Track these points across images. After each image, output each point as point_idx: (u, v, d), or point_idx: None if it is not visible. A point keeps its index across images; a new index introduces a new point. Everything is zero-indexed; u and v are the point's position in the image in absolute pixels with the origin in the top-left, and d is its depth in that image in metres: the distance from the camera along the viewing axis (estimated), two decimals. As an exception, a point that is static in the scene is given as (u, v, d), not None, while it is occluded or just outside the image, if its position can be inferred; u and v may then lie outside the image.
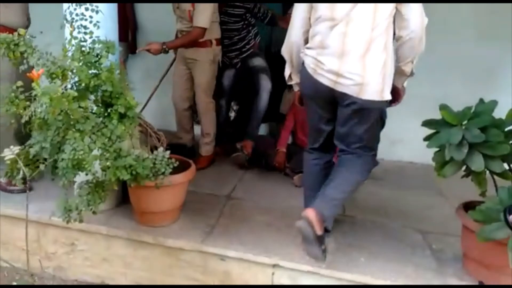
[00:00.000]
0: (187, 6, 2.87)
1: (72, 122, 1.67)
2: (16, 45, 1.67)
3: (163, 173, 1.93)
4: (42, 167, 1.81)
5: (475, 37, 3.17)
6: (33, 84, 1.53)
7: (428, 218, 2.57)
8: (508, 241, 1.49)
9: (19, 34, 1.70)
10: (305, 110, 2.13)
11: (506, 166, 1.65)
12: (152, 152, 2.00)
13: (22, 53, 1.69)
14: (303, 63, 1.94)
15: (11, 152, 1.65)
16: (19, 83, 1.72)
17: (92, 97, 1.83)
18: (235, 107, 3.63)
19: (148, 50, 2.80)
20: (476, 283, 1.92)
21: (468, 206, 2.01)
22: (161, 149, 1.95)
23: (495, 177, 1.75)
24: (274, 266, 2.10)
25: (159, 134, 2.21)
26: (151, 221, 2.28)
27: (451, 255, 2.17)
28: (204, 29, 2.84)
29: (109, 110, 1.84)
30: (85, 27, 1.75)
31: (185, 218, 2.40)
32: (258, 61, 3.25)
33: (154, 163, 1.90)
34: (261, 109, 3.21)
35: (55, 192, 1.98)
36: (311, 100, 1.99)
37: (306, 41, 1.94)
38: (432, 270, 2.04)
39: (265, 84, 3.19)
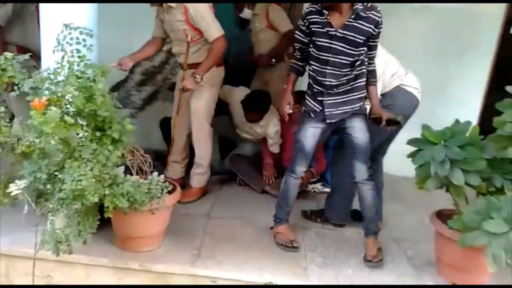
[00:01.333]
0: (180, 26, 2.61)
1: (67, 150, 1.59)
2: (3, 70, 1.57)
3: (158, 197, 1.90)
4: (20, 196, 1.70)
5: (424, 54, 3.46)
6: (32, 113, 1.44)
7: (398, 226, 2.77)
8: (487, 249, 1.68)
9: (6, 58, 1.59)
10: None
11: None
12: (137, 174, 1.96)
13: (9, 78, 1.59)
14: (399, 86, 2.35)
15: (17, 186, 1.53)
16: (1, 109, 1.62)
17: (84, 122, 1.76)
18: None
19: (186, 89, 2.60)
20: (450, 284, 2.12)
21: (440, 215, 2.22)
22: (155, 173, 1.92)
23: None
24: (267, 286, 2.13)
25: (146, 157, 2.17)
26: (137, 246, 2.20)
27: (425, 261, 2.37)
28: (223, 36, 2.57)
29: (98, 135, 1.79)
30: (78, 51, 1.69)
31: (169, 241, 2.35)
32: None
33: (149, 188, 1.87)
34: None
35: (20, 221, 1.82)
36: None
37: None
38: (412, 277, 2.21)
39: None
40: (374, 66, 2.23)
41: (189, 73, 2.61)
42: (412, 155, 1.96)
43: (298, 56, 2.34)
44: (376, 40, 2.14)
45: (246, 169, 3.25)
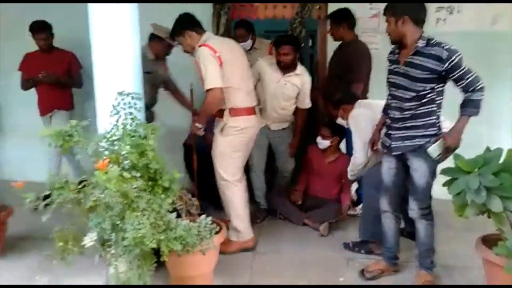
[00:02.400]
0: (198, 73, 2.63)
1: (126, 202, 1.79)
2: (70, 135, 1.82)
3: (206, 238, 2.04)
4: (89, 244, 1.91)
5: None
6: (97, 172, 1.66)
7: (448, 253, 2.73)
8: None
9: (72, 125, 1.85)
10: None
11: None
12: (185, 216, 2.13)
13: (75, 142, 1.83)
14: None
15: (90, 238, 1.74)
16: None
17: (138, 174, 1.97)
18: None
19: (193, 134, 2.78)
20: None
21: (486, 240, 2.21)
22: (203, 216, 2.08)
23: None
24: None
25: (193, 200, 2.34)
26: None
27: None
28: (217, 89, 2.52)
29: (150, 184, 1.98)
30: (131, 113, 1.93)
31: (219, 279, 2.46)
32: None
33: (199, 230, 2.02)
34: None
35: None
36: None
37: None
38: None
39: None
40: (472, 97, 2.12)
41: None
42: (447, 184, 2.00)
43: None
44: (454, 74, 2.11)
45: (285, 204, 3.35)
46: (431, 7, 3.57)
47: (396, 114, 2.31)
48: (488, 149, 2.00)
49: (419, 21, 2.21)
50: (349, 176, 3.06)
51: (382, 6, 3.60)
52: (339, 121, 2.99)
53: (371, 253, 2.77)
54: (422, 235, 2.38)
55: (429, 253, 2.41)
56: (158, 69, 3.24)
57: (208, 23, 3.87)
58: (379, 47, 3.81)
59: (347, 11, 3.39)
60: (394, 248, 2.54)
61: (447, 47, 2.13)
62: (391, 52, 2.38)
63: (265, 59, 3.23)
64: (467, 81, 2.10)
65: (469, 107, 2.14)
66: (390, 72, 2.35)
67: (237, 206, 2.77)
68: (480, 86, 2.11)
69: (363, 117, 2.76)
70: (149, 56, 3.12)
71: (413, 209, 2.34)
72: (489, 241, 2.15)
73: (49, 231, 1.96)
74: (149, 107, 3.22)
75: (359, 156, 2.83)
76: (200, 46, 2.57)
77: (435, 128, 2.22)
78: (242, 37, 3.52)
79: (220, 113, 2.69)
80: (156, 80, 3.25)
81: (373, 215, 2.68)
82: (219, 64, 2.55)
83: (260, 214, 3.35)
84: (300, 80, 3.20)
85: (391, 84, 2.34)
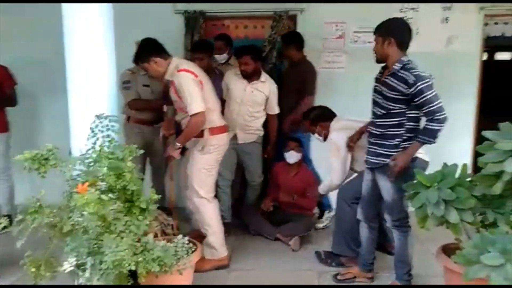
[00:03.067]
0: (174, 97, 2.75)
1: (103, 224, 1.81)
2: (46, 159, 1.82)
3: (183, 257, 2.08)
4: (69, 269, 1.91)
5: (353, 92, 3.81)
6: (76, 196, 1.68)
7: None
8: (490, 280, 1.84)
9: (48, 149, 1.86)
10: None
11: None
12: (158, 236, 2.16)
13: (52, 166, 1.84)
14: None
15: (69, 264, 1.74)
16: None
17: (114, 196, 1.99)
18: None
19: (169, 156, 2.78)
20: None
21: (446, 249, 2.37)
22: (180, 236, 2.12)
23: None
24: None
25: (168, 220, 2.37)
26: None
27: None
28: (202, 113, 2.61)
29: (127, 206, 2.01)
30: (108, 136, 1.96)
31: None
32: None
33: (176, 250, 2.06)
34: None
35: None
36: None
37: None
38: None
39: None
40: (429, 126, 2.20)
41: (172, 141, 2.86)
42: (410, 198, 2.15)
43: None
44: (418, 100, 2.21)
45: (257, 219, 3.43)
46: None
47: (372, 130, 2.48)
48: (445, 165, 2.16)
49: (403, 44, 2.33)
50: (321, 192, 3.16)
51: (346, 26, 3.95)
52: (316, 136, 3.10)
53: (342, 265, 2.89)
54: (396, 245, 2.53)
55: (402, 264, 2.53)
56: (154, 82, 3.31)
57: (180, 42, 3.97)
58: (344, 66, 4.03)
59: (296, 34, 3.72)
60: (368, 256, 2.67)
61: (416, 73, 2.23)
62: (379, 72, 2.49)
63: (231, 70, 3.43)
64: (428, 109, 2.19)
65: (425, 135, 2.23)
66: (373, 89, 2.50)
67: (213, 223, 2.83)
68: (440, 116, 2.18)
69: (343, 141, 2.83)
70: (140, 72, 3.34)
71: (387, 220, 2.52)
72: (448, 250, 2.30)
73: (21, 256, 1.94)
74: (157, 120, 3.39)
75: (337, 178, 2.90)
76: (179, 71, 2.61)
77: (397, 150, 2.33)
78: (220, 49, 3.67)
79: (200, 133, 2.75)
80: (155, 93, 3.39)
81: (345, 230, 2.81)
82: (201, 88, 2.66)
83: (226, 228, 3.26)
84: (266, 87, 3.37)
85: (372, 101, 2.50)
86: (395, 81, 2.29)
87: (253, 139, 3.48)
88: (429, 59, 3.72)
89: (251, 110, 3.37)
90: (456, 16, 3.89)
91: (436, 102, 2.19)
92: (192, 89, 2.59)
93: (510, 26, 3.95)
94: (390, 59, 2.34)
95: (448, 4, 3.88)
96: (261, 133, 3.53)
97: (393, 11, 3.89)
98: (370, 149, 2.47)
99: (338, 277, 2.69)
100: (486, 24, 3.94)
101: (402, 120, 2.32)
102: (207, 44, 3.56)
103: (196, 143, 2.81)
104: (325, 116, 3.04)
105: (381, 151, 2.39)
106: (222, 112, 3.10)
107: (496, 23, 3.97)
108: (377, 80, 2.47)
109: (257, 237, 3.41)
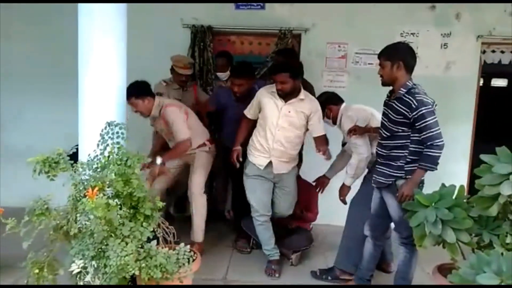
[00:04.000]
0: (164, 128, 3.19)
1: (109, 229, 1.84)
2: (56, 163, 1.87)
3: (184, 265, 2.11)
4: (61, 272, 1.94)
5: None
6: (84, 200, 1.72)
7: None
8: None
9: (58, 153, 1.90)
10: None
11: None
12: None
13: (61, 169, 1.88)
14: None
15: (77, 265, 1.76)
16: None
17: (120, 201, 2.03)
18: None
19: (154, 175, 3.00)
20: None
21: (441, 269, 2.42)
22: (182, 244, 2.15)
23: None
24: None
25: (170, 228, 2.40)
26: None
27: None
28: (187, 139, 3.09)
29: (132, 212, 2.04)
30: (118, 143, 2.01)
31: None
32: None
33: (178, 258, 2.09)
34: None
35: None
36: None
37: None
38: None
39: None
40: (429, 153, 2.28)
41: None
42: (409, 217, 2.21)
43: None
44: (418, 124, 2.29)
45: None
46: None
47: (379, 150, 2.56)
48: (443, 185, 2.23)
49: (410, 67, 2.43)
50: (349, 183, 2.98)
51: (348, 47, 4.06)
52: (325, 120, 3.10)
53: (337, 279, 2.93)
54: (400, 263, 2.58)
55: (403, 281, 2.58)
56: (186, 95, 3.70)
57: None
58: (345, 85, 4.12)
59: (291, 51, 3.83)
60: (366, 272, 2.73)
61: (419, 98, 2.31)
62: (387, 95, 2.57)
63: (265, 88, 3.07)
64: (427, 135, 2.27)
65: (426, 161, 2.30)
66: (382, 113, 2.58)
67: (204, 214, 3.28)
68: (438, 143, 2.25)
69: (356, 117, 2.91)
70: (174, 85, 3.69)
71: (395, 237, 2.60)
72: (444, 270, 2.35)
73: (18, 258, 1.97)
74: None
75: (364, 150, 2.83)
76: (167, 107, 3.11)
77: (402, 172, 2.41)
78: (222, 67, 3.76)
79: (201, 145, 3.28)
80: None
81: (351, 246, 2.86)
82: (186, 118, 3.16)
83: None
84: (306, 105, 2.97)
85: (381, 124, 2.60)
86: (400, 105, 2.37)
87: (289, 169, 3.12)
88: (428, 83, 3.74)
89: (288, 134, 2.97)
90: (455, 42, 4.03)
91: (435, 128, 2.27)
92: (178, 120, 3.10)
93: (507, 54, 4.08)
94: (398, 82, 2.41)
95: (447, 31, 4.02)
96: (297, 162, 3.22)
97: (394, 35, 4.02)
98: (377, 169, 2.55)
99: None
100: (483, 52, 4.07)
101: (406, 142, 2.39)
102: (249, 69, 3.39)
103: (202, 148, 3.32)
104: (334, 98, 3.07)
105: (386, 171, 2.47)
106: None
107: (493, 51, 4.11)
108: (385, 103, 2.56)
109: (256, 250, 3.42)
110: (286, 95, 2.93)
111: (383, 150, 2.50)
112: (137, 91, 3.06)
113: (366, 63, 4.04)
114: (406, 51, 2.45)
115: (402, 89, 2.38)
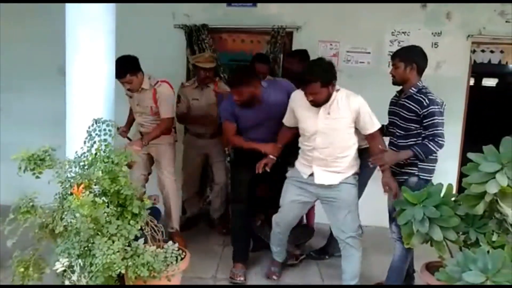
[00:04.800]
0: (148, 103, 3.25)
1: (95, 227, 1.82)
2: (42, 160, 1.84)
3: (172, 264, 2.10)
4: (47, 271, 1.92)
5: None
6: (70, 197, 1.70)
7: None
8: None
9: (44, 150, 1.87)
10: None
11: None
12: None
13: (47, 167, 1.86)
14: None
15: (61, 264, 1.74)
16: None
17: (107, 199, 2.00)
18: None
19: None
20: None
21: (429, 267, 2.44)
22: (170, 242, 2.14)
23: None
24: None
25: (158, 226, 2.38)
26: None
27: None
28: (172, 118, 3.28)
29: (119, 210, 2.02)
30: (105, 140, 1.99)
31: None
32: None
33: (165, 256, 2.07)
34: None
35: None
36: None
37: None
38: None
39: None
40: (428, 144, 2.41)
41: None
42: (397, 215, 2.22)
43: None
44: (427, 122, 2.42)
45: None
46: (385, 51, 3.99)
47: (392, 149, 2.62)
48: (431, 184, 2.25)
49: (421, 70, 2.56)
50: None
51: (340, 46, 4.06)
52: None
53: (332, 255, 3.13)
54: (396, 258, 2.63)
55: (397, 277, 2.63)
56: (204, 94, 3.66)
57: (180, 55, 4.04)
58: (337, 83, 4.12)
59: (304, 52, 3.65)
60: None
61: (431, 97, 2.45)
62: (395, 95, 2.70)
63: (297, 92, 2.69)
64: (432, 131, 2.41)
65: (421, 148, 2.42)
66: (388, 112, 2.67)
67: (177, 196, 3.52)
68: (440, 141, 2.40)
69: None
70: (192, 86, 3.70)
71: (395, 231, 2.59)
72: (432, 268, 2.37)
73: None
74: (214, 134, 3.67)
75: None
76: (163, 82, 3.24)
77: (415, 169, 2.51)
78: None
79: (169, 131, 3.36)
80: (205, 107, 3.65)
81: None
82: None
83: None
84: (346, 105, 2.55)
85: (389, 123, 2.70)
86: (411, 102, 2.49)
87: (340, 180, 2.63)
88: None
89: (329, 140, 2.57)
90: (445, 42, 4.04)
91: (441, 128, 2.41)
92: (170, 98, 3.26)
93: (497, 54, 4.12)
94: (409, 83, 2.54)
95: (437, 30, 4.04)
96: (355, 170, 2.67)
97: (385, 33, 4.04)
98: (392, 168, 2.58)
99: None
100: (473, 51, 4.10)
101: (417, 140, 2.49)
102: (243, 75, 2.87)
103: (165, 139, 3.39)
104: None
105: (400, 170, 2.56)
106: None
107: (483, 51, 4.14)
108: (393, 103, 2.66)
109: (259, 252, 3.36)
110: (321, 105, 2.54)
111: (396, 149, 2.57)
112: (131, 67, 3.07)
113: (357, 62, 4.04)
114: (420, 54, 2.57)
115: (413, 88, 2.51)
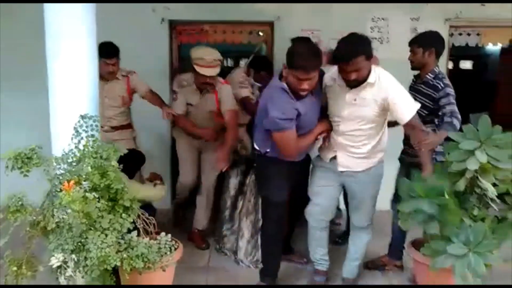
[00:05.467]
0: (120, 92, 3.15)
1: (88, 222, 1.83)
2: (29, 158, 1.84)
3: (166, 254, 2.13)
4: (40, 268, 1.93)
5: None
6: (61, 194, 1.70)
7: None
8: (455, 269, 1.99)
9: (31, 149, 1.87)
10: None
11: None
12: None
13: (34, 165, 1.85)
14: None
15: (57, 259, 1.75)
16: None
17: (97, 194, 2.01)
18: None
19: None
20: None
21: (415, 243, 2.53)
22: (163, 233, 2.16)
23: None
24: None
25: (150, 219, 2.40)
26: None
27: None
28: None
29: (110, 205, 2.04)
30: (92, 136, 1.99)
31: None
32: None
33: (159, 247, 2.10)
34: None
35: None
36: None
37: None
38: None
39: None
40: (450, 121, 2.46)
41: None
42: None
43: None
44: (444, 101, 2.55)
45: None
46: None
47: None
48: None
49: (439, 54, 2.68)
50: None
51: (322, 34, 4.09)
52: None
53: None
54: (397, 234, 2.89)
55: (399, 253, 2.96)
56: (204, 100, 3.12)
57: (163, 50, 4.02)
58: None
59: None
60: (400, 246, 2.90)
61: (446, 81, 2.60)
62: (412, 80, 2.83)
63: (329, 73, 2.49)
64: (451, 109, 2.51)
65: (447, 126, 2.44)
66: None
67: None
68: (459, 117, 2.48)
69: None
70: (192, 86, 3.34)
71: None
72: (418, 244, 2.46)
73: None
74: None
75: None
76: (135, 73, 3.22)
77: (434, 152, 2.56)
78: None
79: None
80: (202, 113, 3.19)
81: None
82: None
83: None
84: (377, 90, 2.30)
85: None
86: (427, 88, 2.64)
87: (367, 166, 2.48)
88: (399, 66, 3.82)
89: (355, 127, 2.38)
90: (424, 26, 4.10)
91: (456, 109, 2.51)
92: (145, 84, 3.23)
93: (473, 36, 4.22)
94: (427, 67, 2.67)
95: (416, 15, 4.11)
96: (381, 156, 2.50)
97: (365, 20, 4.09)
98: (407, 151, 2.76)
99: (369, 265, 2.98)
100: (451, 35, 4.19)
101: (429, 126, 2.60)
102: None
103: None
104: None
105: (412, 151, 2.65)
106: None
107: (460, 34, 4.24)
108: (410, 87, 2.77)
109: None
110: (357, 85, 2.30)
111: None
112: (117, 50, 3.07)
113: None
114: (438, 39, 2.70)
115: (430, 74, 2.65)
